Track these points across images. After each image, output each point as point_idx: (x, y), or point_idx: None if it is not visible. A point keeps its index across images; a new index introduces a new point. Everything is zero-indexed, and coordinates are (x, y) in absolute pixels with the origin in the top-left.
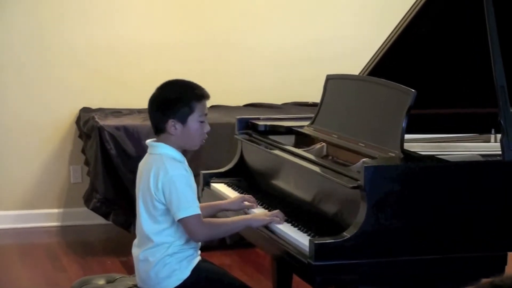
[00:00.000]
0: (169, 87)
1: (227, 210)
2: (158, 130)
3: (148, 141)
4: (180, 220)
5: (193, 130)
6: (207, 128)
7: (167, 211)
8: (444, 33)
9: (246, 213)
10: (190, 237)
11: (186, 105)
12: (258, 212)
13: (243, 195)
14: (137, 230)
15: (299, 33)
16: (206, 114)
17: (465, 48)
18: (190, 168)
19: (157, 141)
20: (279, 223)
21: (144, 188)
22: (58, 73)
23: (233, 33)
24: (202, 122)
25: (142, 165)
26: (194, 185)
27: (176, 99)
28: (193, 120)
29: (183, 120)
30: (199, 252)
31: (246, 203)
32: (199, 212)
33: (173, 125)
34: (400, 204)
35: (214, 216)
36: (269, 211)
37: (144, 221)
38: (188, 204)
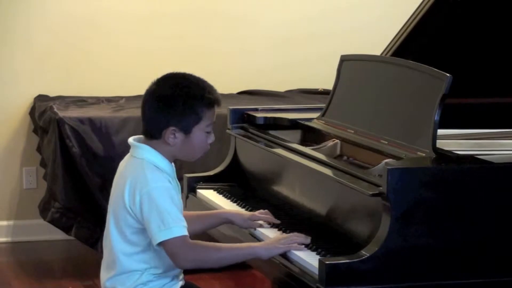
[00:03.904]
0: (175, 84)
1: (228, 222)
2: (150, 135)
3: (131, 139)
4: (160, 244)
5: (197, 142)
6: (211, 138)
7: (142, 230)
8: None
9: (251, 234)
10: (173, 262)
11: (193, 113)
12: (271, 234)
13: (253, 213)
14: (105, 248)
15: (307, 3)
16: (214, 122)
17: None
18: (178, 183)
19: (143, 142)
20: (298, 248)
21: (118, 197)
22: (6, 53)
23: (223, 1)
24: (208, 132)
25: (121, 167)
26: (181, 202)
27: (182, 103)
28: (199, 130)
29: (187, 130)
30: (182, 275)
31: (260, 222)
32: (185, 233)
33: (173, 134)
34: (432, 215)
35: (208, 230)
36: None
37: (114, 238)
38: (172, 223)
